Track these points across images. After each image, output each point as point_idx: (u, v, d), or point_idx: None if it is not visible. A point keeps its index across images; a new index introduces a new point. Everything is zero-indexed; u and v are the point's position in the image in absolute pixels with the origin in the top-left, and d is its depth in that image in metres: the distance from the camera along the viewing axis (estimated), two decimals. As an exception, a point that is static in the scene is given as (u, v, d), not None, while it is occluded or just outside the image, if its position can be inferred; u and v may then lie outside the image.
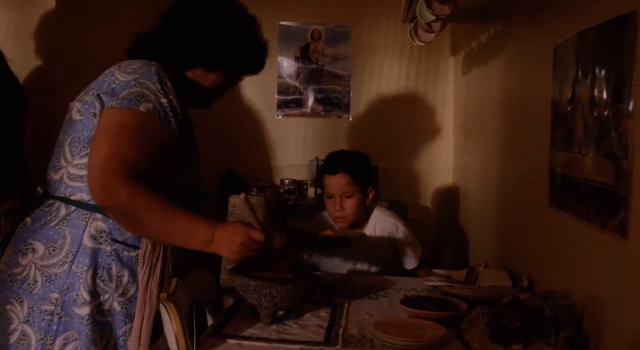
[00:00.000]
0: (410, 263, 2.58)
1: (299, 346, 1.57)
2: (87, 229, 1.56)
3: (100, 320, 1.56)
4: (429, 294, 2.00)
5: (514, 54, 2.51)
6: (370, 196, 2.55)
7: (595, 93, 1.54)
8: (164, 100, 1.56)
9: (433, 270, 2.17)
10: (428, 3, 2.50)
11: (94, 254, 1.55)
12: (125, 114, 1.51)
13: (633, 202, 1.34)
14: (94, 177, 1.46)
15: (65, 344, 1.52)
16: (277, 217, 3.48)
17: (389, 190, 3.77)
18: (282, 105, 4.07)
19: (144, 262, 1.57)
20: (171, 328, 1.54)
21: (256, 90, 4.06)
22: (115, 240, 1.58)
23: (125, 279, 1.59)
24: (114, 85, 1.56)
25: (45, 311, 1.52)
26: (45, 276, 1.54)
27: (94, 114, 1.57)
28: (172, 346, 1.54)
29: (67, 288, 1.53)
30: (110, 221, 1.56)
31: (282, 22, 4.03)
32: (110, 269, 1.57)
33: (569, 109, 1.72)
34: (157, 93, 1.56)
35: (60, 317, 1.52)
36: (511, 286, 2.01)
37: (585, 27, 1.61)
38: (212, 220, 1.57)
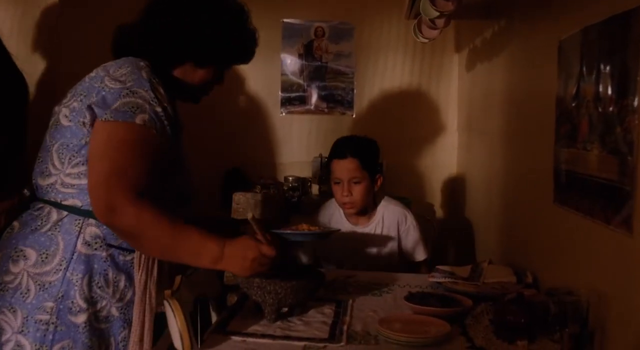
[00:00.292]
0: (420, 255, 2.54)
1: (303, 343, 1.57)
2: (81, 235, 1.51)
3: (98, 328, 1.52)
4: (433, 290, 2.00)
5: (518, 50, 2.50)
6: (379, 183, 2.51)
7: (600, 89, 1.53)
8: (158, 109, 1.51)
9: (437, 266, 2.16)
10: (432, -1, 2.49)
11: (89, 261, 1.51)
12: (122, 129, 1.46)
13: (638, 198, 1.33)
14: (98, 197, 1.43)
15: None
16: (279, 214, 3.50)
17: (393, 186, 3.76)
18: (285, 102, 4.06)
19: (140, 266, 1.53)
20: (175, 325, 1.54)
21: (260, 88, 4.06)
22: (110, 245, 1.54)
23: (122, 284, 1.55)
24: (103, 93, 1.49)
25: (40, 321, 1.47)
26: (39, 284, 1.49)
27: (83, 123, 1.51)
28: (177, 343, 1.55)
29: (62, 296, 1.48)
30: (105, 226, 1.51)
31: (285, 20, 4.02)
32: (107, 274, 1.53)
33: (573, 105, 1.72)
34: (151, 102, 1.50)
35: (56, 326, 1.47)
36: (516, 282, 2.00)
37: (590, 23, 1.61)
38: (219, 237, 1.53)
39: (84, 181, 1.51)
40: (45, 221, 1.53)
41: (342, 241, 2.51)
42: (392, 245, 2.53)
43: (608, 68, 1.49)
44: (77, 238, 1.51)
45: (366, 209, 2.52)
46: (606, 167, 1.48)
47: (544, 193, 1.95)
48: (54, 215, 1.53)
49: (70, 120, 1.53)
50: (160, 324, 1.59)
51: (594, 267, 1.60)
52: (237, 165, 3.92)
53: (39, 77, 3.31)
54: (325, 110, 4.06)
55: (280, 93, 4.06)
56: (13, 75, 2.16)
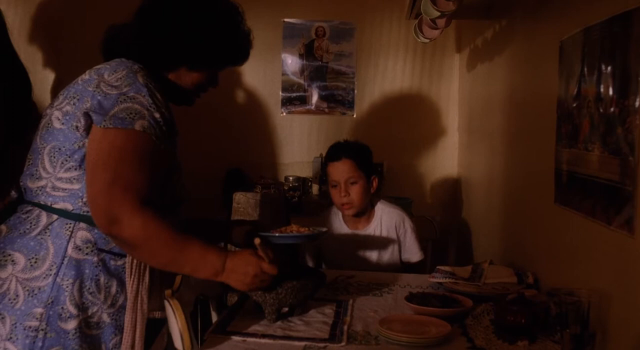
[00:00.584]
0: (416, 257, 2.56)
1: (303, 343, 1.57)
2: (72, 240, 1.48)
3: (89, 334, 1.49)
4: (433, 290, 2.00)
5: (519, 51, 2.50)
6: (374, 185, 2.54)
7: (601, 89, 1.53)
8: (156, 115, 1.48)
9: (438, 267, 2.16)
10: (433, -1, 2.49)
11: (80, 265, 1.47)
12: (122, 136, 1.43)
13: (639, 199, 1.33)
14: (99, 208, 1.40)
15: None
16: (279, 214, 3.50)
17: (394, 186, 3.77)
18: (286, 102, 4.06)
19: (132, 271, 1.51)
20: (176, 325, 1.54)
21: (260, 88, 4.06)
22: (101, 250, 1.50)
23: (113, 289, 1.51)
24: (99, 98, 1.45)
25: (30, 327, 1.43)
26: (28, 290, 1.44)
27: (77, 127, 1.48)
28: (177, 343, 1.54)
29: (52, 302, 1.44)
30: (96, 231, 1.48)
31: (286, 20, 4.03)
32: (98, 280, 1.49)
33: (574, 105, 1.71)
34: (149, 108, 1.47)
35: (46, 333, 1.43)
36: (516, 283, 2.00)
37: (591, 23, 1.61)
38: (221, 249, 1.52)
39: (76, 186, 1.48)
40: (34, 225, 1.49)
41: (342, 245, 2.54)
42: (392, 248, 2.55)
43: (609, 68, 1.49)
44: (68, 242, 1.48)
45: (364, 211, 2.54)
46: (607, 168, 1.48)
47: (544, 193, 1.95)
48: (44, 219, 1.49)
49: (62, 123, 1.50)
50: (151, 330, 1.58)
51: (595, 267, 1.60)
52: (238, 165, 3.93)
53: (39, 76, 3.32)
54: (326, 110, 4.06)
55: (281, 93, 4.06)
56: (18, 69, 2.15)
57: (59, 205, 1.50)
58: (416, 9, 2.91)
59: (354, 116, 4.05)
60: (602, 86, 1.53)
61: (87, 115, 1.46)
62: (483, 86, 3.23)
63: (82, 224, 1.49)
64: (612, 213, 1.46)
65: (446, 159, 4.01)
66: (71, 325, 1.45)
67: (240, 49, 1.73)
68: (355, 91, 4.04)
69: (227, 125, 4.00)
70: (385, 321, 1.65)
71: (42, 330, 1.43)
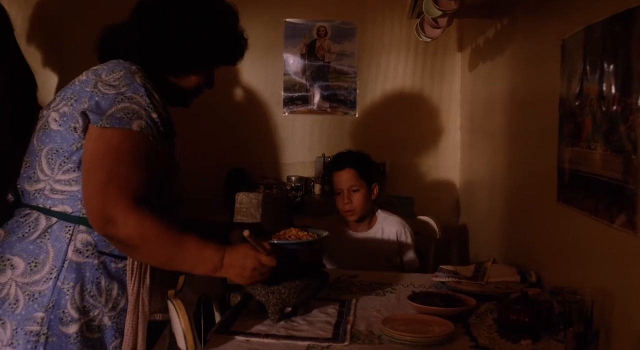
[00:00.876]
0: (413, 266, 2.64)
1: (307, 343, 1.57)
2: (72, 243, 1.46)
3: (90, 338, 1.47)
4: (437, 290, 2.00)
5: (521, 50, 2.50)
6: (375, 192, 2.67)
7: (604, 88, 1.53)
8: (154, 116, 1.48)
9: (441, 266, 2.16)
10: (434, -1, 2.49)
11: (81, 269, 1.46)
12: (118, 136, 1.42)
13: (642, 197, 1.33)
14: (94, 208, 1.39)
15: None
16: (281, 214, 3.50)
17: (396, 186, 3.76)
18: (288, 102, 4.06)
19: (132, 273, 1.50)
20: (179, 325, 1.54)
21: (262, 88, 4.06)
22: (102, 253, 1.49)
23: (115, 292, 1.50)
24: (97, 99, 1.45)
25: (31, 332, 1.41)
26: (28, 295, 1.43)
27: (75, 129, 1.47)
28: (181, 343, 1.55)
29: (53, 306, 1.43)
30: (96, 233, 1.46)
31: (288, 20, 4.02)
32: (100, 283, 1.48)
33: (577, 104, 1.71)
34: (147, 108, 1.47)
35: (47, 338, 1.42)
36: (519, 282, 2.00)
37: (593, 21, 1.61)
38: (219, 245, 1.51)
39: (76, 188, 1.47)
40: (33, 228, 1.48)
41: (345, 247, 2.62)
42: (393, 252, 2.61)
43: (612, 67, 1.49)
44: (68, 245, 1.46)
45: (366, 217, 2.66)
46: (610, 166, 1.48)
47: (547, 192, 1.95)
48: (43, 222, 1.48)
49: (60, 125, 1.49)
50: (152, 333, 1.57)
51: (598, 266, 1.60)
52: (240, 165, 3.93)
53: (41, 77, 3.32)
54: (328, 110, 4.06)
55: (283, 93, 4.06)
56: (24, 70, 2.15)
57: (59, 208, 1.49)
58: (418, 8, 2.91)
59: (357, 116, 4.05)
60: (604, 85, 1.53)
61: (84, 115, 1.45)
62: (485, 85, 3.22)
63: (82, 227, 1.48)
64: (615, 212, 1.46)
65: (448, 159, 4.01)
66: (73, 329, 1.44)
67: (238, 49, 1.72)
68: (358, 91, 4.04)
69: (230, 125, 4.00)
70: (388, 321, 1.65)
71: (43, 335, 1.42)
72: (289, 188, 3.80)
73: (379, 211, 2.70)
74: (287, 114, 4.07)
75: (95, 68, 1.54)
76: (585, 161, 1.64)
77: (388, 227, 2.65)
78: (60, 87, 3.31)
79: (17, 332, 1.42)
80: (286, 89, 4.05)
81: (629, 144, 1.38)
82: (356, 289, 2.06)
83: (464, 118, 3.89)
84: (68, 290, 1.44)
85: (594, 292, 1.46)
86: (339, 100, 4.05)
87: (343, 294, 2.01)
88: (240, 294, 1.95)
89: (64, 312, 1.44)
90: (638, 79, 1.35)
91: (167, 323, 1.63)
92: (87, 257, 1.48)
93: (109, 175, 1.40)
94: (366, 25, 4.01)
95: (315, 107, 4.06)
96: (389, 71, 4.04)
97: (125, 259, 1.51)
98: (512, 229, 2.60)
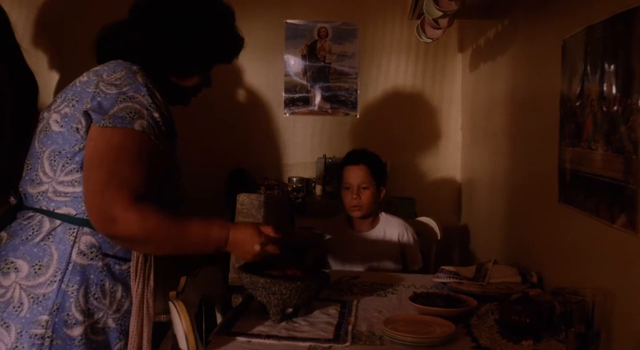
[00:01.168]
0: (416, 264, 2.65)
1: (308, 343, 1.57)
2: (76, 245, 1.46)
3: (95, 340, 1.48)
4: (438, 290, 2.00)
5: (522, 50, 2.50)
6: (382, 195, 2.69)
7: (605, 88, 1.53)
8: (156, 115, 1.48)
9: (442, 267, 2.16)
10: (435, -1, 2.49)
11: (85, 271, 1.46)
12: (120, 135, 1.42)
13: (643, 197, 1.33)
14: (95, 208, 1.39)
15: None
16: (283, 215, 3.50)
17: (397, 186, 3.76)
18: (289, 103, 4.07)
19: (136, 275, 1.50)
20: (180, 326, 1.54)
21: (263, 89, 4.06)
22: (106, 255, 1.49)
23: (119, 294, 1.51)
24: (99, 99, 1.45)
25: (36, 335, 1.41)
26: (32, 297, 1.43)
27: (77, 129, 1.47)
28: (182, 344, 1.55)
29: (57, 309, 1.43)
30: (100, 235, 1.47)
31: (288, 21, 4.03)
32: (104, 285, 1.48)
33: (577, 104, 1.71)
34: (148, 107, 1.47)
35: (52, 340, 1.41)
36: (520, 282, 2.00)
37: (594, 21, 1.60)
38: (222, 221, 1.54)
39: (79, 189, 1.47)
40: (36, 231, 1.47)
41: (347, 245, 2.63)
42: (395, 255, 2.62)
43: (612, 67, 1.49)
44: (72, 248, 1.46)
45: (369, 215, 2.67)
46: (611, 166, 1.48)
47: (548, 192, 1.95)
48: (47, 225, 1.48)
49: (61, 126, 1.49)
50: (156, 334, 1.57)
51: (599, 266, 1.60)
52: (241, 166, 3.93)
53: (43, 79, 3.32)
54: (329, 111, 4.06)
55: (283, 94, 4.06)
56: (25, 73, 2.15)
57: (62, 211, 1.48)
58: (418, 9, 2.91)
59: (357, 117, 4.05)
60: (605, 85, 1.53)
61: (87, 114, 1.45)
62: (486, 85, 3.22)
63: (86, 229, 1.48)
64: (616, 212, 1.46)
65: (449, 159, 4.01)
66: (77, 331, 1.44)
67: (236, 48, 1.73)
68: (358, 92, 4.04)
69: (230, 126, 4.00)
70: (389, 321, 1.65)
71: (48, 337, 1.42)
72: (290, 189, 3.80)
73: (382, 213, 2.72)
74: (287, 114, 4.07)
75: (95, 68, 1.54)
76: (586, 161, 1.64)
77: (390, 228, 2.66)
78: (59, 88, 3.32)
79: (21, 335, 1.41)
80: (287, 90, 4.06)
81: (629, 144, 1.38)
82: (357, 290, 2.06)
83: (464, 118, 3.89)
84: (72, 293, 1.44)
85: (594, 292, 1.46)
86: (340, 100, 4.05)
87: (344, 294, 2.01)
88: (242, 294, 1.95)
89: (68, 314, 1.44)
90: (638, 79, 1.35)
91: (171, 324, 1.64)
92: (91, 259, 1.48)
93: (109, 175, 1.40)
94: (367, 26, 4.01)
95: (316, 108, 4.06)
96: (389, 72, 4.04)
97: (129, 260, 1.51)
98: (513, 229, 2.60)
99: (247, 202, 3.33)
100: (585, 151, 1.64)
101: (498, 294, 1.89)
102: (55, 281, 1.44)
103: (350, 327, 1.68)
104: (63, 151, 1.48)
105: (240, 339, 1.61)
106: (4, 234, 1.53)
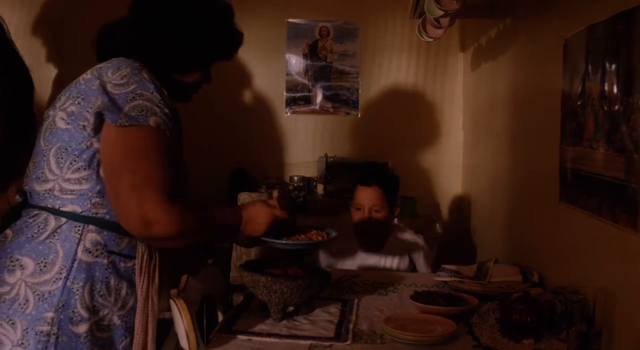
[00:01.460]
0: (426, 271, 2.57)
1: (309, 342, 1.57)
2: (82, 242, 1.46)
3: (100, 337, 1.47)
4: (439, 289, 2.00)
5: (523, 49, 2.50)
6: (395, 214, 2.59)
7: (606, 87, 1.53)
8: (166, 111, 1.47)
9: (443, 265, 2.16)
10: (436, -2, 2.49)
11: (90, 268, 1.46)
12: (137, 134, 1.42)
13: (644, 196, 1.33)
14: (131, 214, 1.39)
15: None
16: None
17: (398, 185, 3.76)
18: (290, 102, 4.07)
19: (141, 272, 1.50)
20: (182, 324, 1.54)
21: (265, 88, 4.06)
22: (111, 252, 1.48)
23: (123, 291, 1.50)
24: (108, 97, 1.44)
25: (41, 332, 1.41)
26: (38, 294, 1.42)
27: (84, 127, 1.46)
28: (183, 342, 1.55)
29: (63, 306, 1.42)
30: (105, 232, 1.47)
31: (290, 20, 4.03)
32: (109, 282, 1.48)
33: (579, 103, 1.71)
34: (158, 104, 1.46)
35: (57, 337, 1.41)
36: (521, 281, 2.00)
37: (595, 21, 1.61)
38: (234, 209, 1.67)
39: (85, 186, 1.47)
40: (42, 228, 1.47)
41: (355, 264, 2.52)
42: (404, 265, 2.54)
43: (613, 66, 1.49)
44: (78, 245, 1.46)
45: (380, 236, 2.56)
46: (612, 166, 1.48)
47: (549, 192, 1.95)
48: (52, 222, 1.47)
49: (68, 123, 1.48)
50: (161, 331, 1.58)
51: (601, 265, 1.60)
52: (243, 165, 3.93)
53: (43, 76, 3.33)
54: (330, 110, 4.06)
55: (285, 93, 4.06)
56: (22, 71, 2.14)
57: (68, 208, 1.48)
58: (420, 8, 2.91)
59: (359, 116, 4.06)
60: (606, 84, 1.53)
61: (99, 114, 1.45)
62: (487, 85, 3.22)
63: (91, 226, 1.48)
64: (618, 211, 1.46)
65: (451, 158, 4.01)
66: (82, 328, 1.44)
67: (236, 44, 1.74)
68: (360, 91, 4.05)
69: (232, 125, 4.01)
70: (390, 320, 1.65)
71: (53, 334, 1.41)
72: (291, 188, 3.81)
73: (395, 227, 2.61)
74: (289, 113, 4.07)
75: (99, 66, 1.54)
76: (587, 160, 1.64)
77: (400, 245, 2.55)
78: (58, 86, 3.33)
79: (27, 332, 1.41)
80: (288, 89, 4.06)
81: (630, 143, 1.38)
82: (358, 289, 2.06)
83: (466, 117, 3.89)
84: (77, 290, 1.44)
85: (596, 292, 1.46)
86: (341, 100, 4.05)
87: (345, 293, 2.01)
88: (243, 293, 1.96)
89: (73, 311, 1.43)
90: (639, 78, 1.35)
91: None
92: (97, 256, 1.47)
93: (138, 177, 1.40)
94: (368, 25, 4.02)
95: (317, 107, 4.06)
96: (391, 71, 4.04)
97: (134, 258, 1.51)
98: (514, 228, 2.60)
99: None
100: (587, 150, 1.64)
101: (499, 293, 1.90)
102: (60, 278, 1.44)
103: (351, 326, 1.68)
104: (69, 148, 1.48)
105: (241, 337, 1.61)
106: (9, 231, 1.52)
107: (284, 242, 1.75)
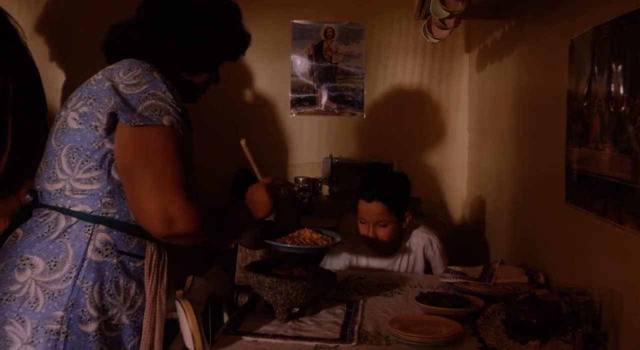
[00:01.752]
0: (440, 272, 2.49)
1: (314, 343, 1.58)
2: (92, 242, 1.47)
3: (109, 336, 1.48)
4: (444, 290, 2.00)
5: (529, 50, 2.49)
6: (407, 220, 2.43)
7: (612, 88, 1.53)
8: (179, 110, 1.48)
9: (448, 267, 2.16)
10: (442, -1, 2.49)
11: (100, 268, 1.47)
12: (153, 133, 1.43)
13: (651, 198, 1.32)
14: (152, 214, 1.39)
15: None
16: (290, 215, 3.50)
17: (404, 187, 3.75)
18: (295, 103, 4.07)
19: (150, 272, 1.52)
20: (187, 325, 1.55)
21: (270, 89, 4.07)
22: (120, 252, 1.50)
23: (132, 291, 1.51)
24: (121, 97, 1.45)
25: (51, 331, 1.42)
26: (47, 293, 1.44)
27: (95, 127, 1.46)
28: (188, 343, 1.55)
29: (72, 305, 1.43)
30: (115, 232, 1.49)
31: (295, 21, 4.03)
32: (118, 282, 1.49)
33: (585, 104, 1.71)
34: (171, 104, 1.47)
35: (67, 336, 1.42)
36: (527, 283, 2.00)
37: (601, 22, 1.60)
38: (236, 204, 1.75)
39: (96, 186, 1.48)
40: (52, 228, 1.48)
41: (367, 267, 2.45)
42: (420, 270, 2.47)
43: (620, 67, 1.49)
44: (88, 245, 1.47)
45: (391, 244, 2.43)
46: (618, 167, 1.48)
47: (555, 193, 1.95)
48: (62, 222, 1.48)
49: (80, 123, 1.49)
50: (168, 331, 1.58)
51: (607, 267, 1.59)
52: (247, 166, 3.92)
53: (48, 77, 3.34)
54: (336, 111, 4.06)
55: (290, 94, 4.06)
56: (33, 72, 2.15)
57: (78, 208, 1.49)
58: (425, 9, 2.90)
59: (364, 117, 4.05)
60: (612, 85, 1.53)
61: (112, 115, 1.46)
62: (493, 86, 3.22)
63: (102, 226, 1.48)
64: (624, 212, 1.45)
65: (456, 159, 4.00)
66: (91, 327, 1.45)
67: (244, 45, 1.75)
68: (365, 92, 4.04)
69: (237, 126, 4.01)
70: (395, 321, 1.65)
71: (63, 333, 1.42)
72: (296, 189, 3.81)
73: (411, 226, 2.49)
74: (294, 114, 4.07)
75: (110, 67, 1.55)
76: (593, 161, 1.64)
77: (415, 244, 2.46)
78: (67, 87, 3.34)
79: (37, 330, 1.43)
80: (293, 90, 4.06)
81: (637, 144, 1.38)
82: (363, 290, 2.06)
83: (471, 118, 3.89)
84: (87, 289, 1.45)
85: (602, 293, 1.46)
86: (346, 101, 4.05)
87: (350, 294, 2.01)
88: (248, 294, 1.96)
89: (82, 310, 1.45)
90: (646, 79, 1.35)
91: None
92: (106, 256, 1.48)
93: (158, 177, 1.40)
94: (373, 26, 4.01)
95: (322, 108, 4.06)
96: (396, 72, 4.04)
97: (143, 257, 1.53)
98: (520, 229, 2.59)
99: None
100: (593, 151, 1.64)
101: (505, 295, 1.89)
102: (70, 277, 1.45)
103: (356, 327, 1.68)
104: (81, 148, 1.49)
105: (247, 338, 1.61)
106: (19, 231, 1.53)
107: (288, 246, 1.76)
